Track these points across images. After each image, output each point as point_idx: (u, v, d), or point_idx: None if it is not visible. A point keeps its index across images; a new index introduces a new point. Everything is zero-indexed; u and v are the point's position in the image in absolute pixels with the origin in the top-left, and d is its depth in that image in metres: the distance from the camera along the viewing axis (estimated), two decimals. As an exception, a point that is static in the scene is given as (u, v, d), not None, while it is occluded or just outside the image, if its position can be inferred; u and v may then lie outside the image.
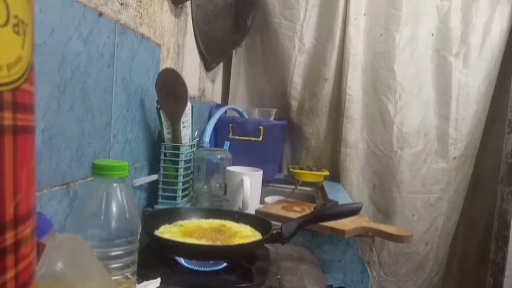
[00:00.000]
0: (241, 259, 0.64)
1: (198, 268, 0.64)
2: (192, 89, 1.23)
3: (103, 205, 0.47)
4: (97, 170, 0.47)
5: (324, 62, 1.55)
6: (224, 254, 0.64)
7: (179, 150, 0.87)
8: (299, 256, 0.80)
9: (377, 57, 1.52)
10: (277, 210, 0.92)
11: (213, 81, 1.53)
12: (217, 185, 0.97)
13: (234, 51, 1.63)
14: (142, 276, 0.55)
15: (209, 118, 1.34)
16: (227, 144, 1.20)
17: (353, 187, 1.55)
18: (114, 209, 0.47)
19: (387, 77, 1.51)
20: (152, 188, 0.90)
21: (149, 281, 0.56)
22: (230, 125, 1.33)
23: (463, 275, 1.66)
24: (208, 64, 1.38)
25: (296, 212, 0.91)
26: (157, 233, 0.68)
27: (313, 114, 1.60)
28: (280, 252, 0.78)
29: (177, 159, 0.88)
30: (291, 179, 1.45)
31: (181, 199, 0.88)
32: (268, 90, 1.67)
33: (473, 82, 1.52)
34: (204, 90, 1.38)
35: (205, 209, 0.84)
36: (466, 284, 1.66)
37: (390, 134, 1.52)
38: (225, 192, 0.94)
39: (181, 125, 0.89)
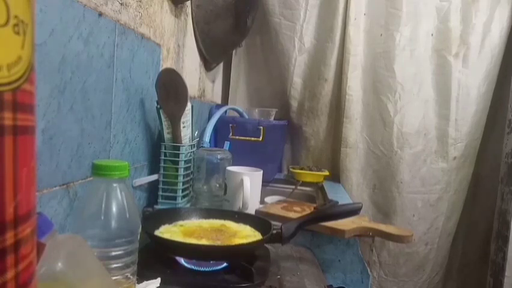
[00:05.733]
0: (241, 259, 0.64)
1: (198, 268, 0.64)
2: (192, 89, 1.23)
3: (103, 205, 0.47)
4: (97, 170, 0.47)
5: (324, 62, 1.55)
6: (224, 254, 0.64)
7: (179, 150, 0.87)
8: (299, 256, 0.80)
9: (377, 57, 1.52)
10: (277, 210, 0.92)
11: (213, 81, 1.53)
12: (217, 185, 0.97)
13: (234, 51, 1.63)
14: (142, 276, 0.55)
15: (209, 118, 1.34)
16: (227, 144, 1.20)
17: (353, 187, 1.55)
18: (114, 209, 0.47)
19: (387, 77, 1.51)
20: (152, 188, 0.90)
21: (149, 281, 0.56)
22: (230, 125, 1.33)
23: (463, 276, 1.66)
24: (208, 64, 1.38)
25: (296, 212, 0.91)
26: (157, 233, 0.68)
27: (313, 114, 1.60)
28: (280, 252, 0.78)
29: (177, 159, 0.88)
30: (291, 179, 1.45)
31: (181, 199, 0.88)
32: (268, 90, 1.67)
33: (473, 82, 1.52)
34: (204, 90, 1.38)
35: (205, 209, 0.84)
36: (467, 285, 1.66)
37: (390, 134, 1.52)
38: (225, 192, 0.94)
39: (181, 125, 0.89)
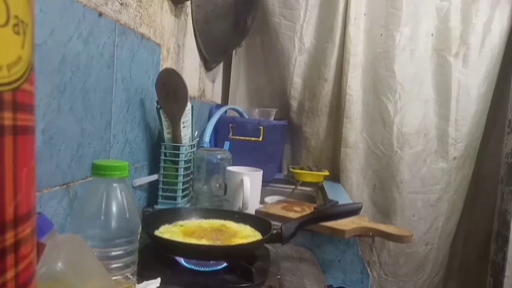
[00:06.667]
0: (241, 259, 0.64)
1: (198, 268, 0.64)
2: (192, 89, 1.23)
3: (103, 205, 0.47)
4: (97, 170, 0.47)
5: (324, 62, 1.55)
6: (224, 254, 0.64)
7: (179, 150, 0.87)
8: (299, 256, 0.80)
9: (377, 57, 1.52)
10: (277, 210, 0.92)
11: (213, 81, 1.53)
12: (217, 185, 0.97)
13: (234, 51, 1.63)
14: (142, 276, 0.55)
15: (209, 118, 1.34)
16: (227, 144, 1.20)
17: (353, 187, 1.55)
18: (114, 209, 0.47)
19: (387, 77, 1.51)
20: (152, 188, 0.90)
21: (149, 281, 0.56)
22: (230, 125, 1.33)
23: (463, 276, 1.66)
24: (208, 64, 1.38)
25: (296, 212, 0.91)
26: (157, 233, 0.68)
27: (313, 114, 1.60)
28: (280, 252, 0.78)
29: (177, 159, 0.88)
30: (291, 179, 1.45)
31: (181, 199, 0.88)
32: (268, 90, 1.67)
33: (473, 82, 1.52)
34: (204, 90, 1.38)
35: (205, 209, 0.84)
36: (467, 285, 1.65)
37: (390, 134, 1.52)
38: (225, 192, 0.94)
39: (181, 125, 0.89)
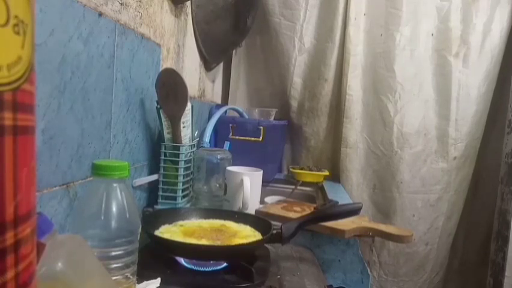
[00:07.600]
0: (241, 259, 0.64)
1: (198, 268, 0.64)
2: (192, 89, 1.23)
3: (103, 205, 0.47)
4: (97, 170, 0.47)
5: (324, 62, 1.55)
6: (224, 254, 0.64)
7: (179, 150, 0.87)
8: (299, 256, 0.80)
9: (377, 57, 1.52)
10: (277, 210, 0.92)
11: (213, 81, 1.53)
12: (217, 185, 0.97)
13: (234, 51, 1.63)
14: (142, 276, 0.55)
15: (209, 118, 1.34)
16: (227, 144, 1.20)
17: (353, 187, 1.55)
18: (114, 209, 0.47)
19: (387, 77, 1.51)
20: (152, 188, 0.90)
21: (149, 281, 0.56)
22: (230, 125, 1.33)
23: (463, 276, 1.66)
24: (208, 64, 1.38)
25: (296, 212, 0.91)
26: (157, 233, 0.68)
27: (313, 114, 1.60)
28: (280, 252, 0.78)
29: (177, 159, 0.88)
30: (291, 179, 1.45)
31: (181, 199, 0.88)
32: (268, 90, 1.67)
33: (473, 82, 1.52)
34: (204, 90, 1.38)
35: (205, 209, 0.84)
36: (467, 285, 1.66)
37: (390, 134, 1.52)
38: (225, 192, 0.94)
39: (181, 125, 0.89)
